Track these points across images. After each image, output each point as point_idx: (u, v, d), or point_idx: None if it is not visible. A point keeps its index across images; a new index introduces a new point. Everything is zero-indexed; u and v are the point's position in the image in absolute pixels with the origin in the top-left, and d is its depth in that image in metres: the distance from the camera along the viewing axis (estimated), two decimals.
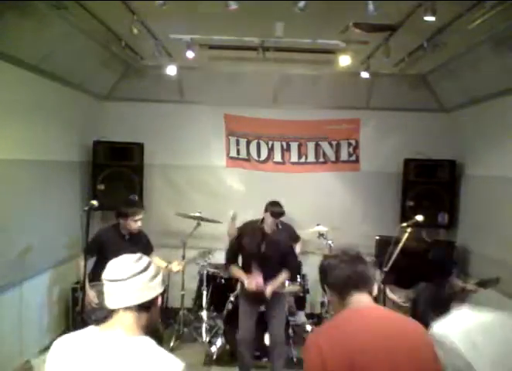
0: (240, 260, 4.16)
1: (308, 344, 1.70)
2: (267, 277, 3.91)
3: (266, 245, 3.93)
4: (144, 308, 1.55)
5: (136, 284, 1.53)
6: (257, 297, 3.90)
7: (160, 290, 1.59)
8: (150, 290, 1.56)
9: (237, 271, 4.05)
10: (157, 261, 4.39)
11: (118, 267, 1.56)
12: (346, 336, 1.63)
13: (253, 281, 3.85)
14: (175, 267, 4.40)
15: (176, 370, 1.48)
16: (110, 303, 1.55)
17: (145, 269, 1.56)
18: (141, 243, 4.25)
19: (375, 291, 1.82)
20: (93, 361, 1.46)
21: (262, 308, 4.17)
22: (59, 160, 4.74)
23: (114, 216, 4.18)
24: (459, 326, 1.66)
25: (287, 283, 4.75)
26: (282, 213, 3.91)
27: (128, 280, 1.52)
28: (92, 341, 1.51)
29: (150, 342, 1.53)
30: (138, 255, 1.60)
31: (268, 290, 3.85)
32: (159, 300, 1.64)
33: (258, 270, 3.89)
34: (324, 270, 1.84)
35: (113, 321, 1.55)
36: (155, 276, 1.58)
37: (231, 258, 4.15)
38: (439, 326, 1.69)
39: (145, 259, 1.60)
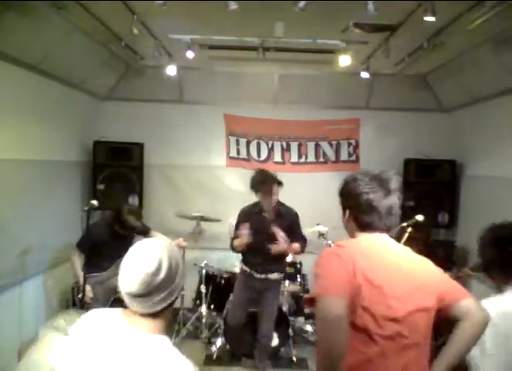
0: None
1: (326, 254, 1.62)
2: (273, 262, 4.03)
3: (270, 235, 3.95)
4: (160, 312, 1.46)
5: (156, 297, 1.41)
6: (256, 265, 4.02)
7: (182, 283, 1.47)
8: (170, 295, 1.44)
9: (238, 240, 4.09)
10: (159, 235, 4.36)
11: (135, 279, 1.39)
12: (364, 256, 1.59)
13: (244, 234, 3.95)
14: (182, 243, 4.45)
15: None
16: (129, 306, 1.46)
17: (166, 280, 1.41)
18: (135, 237, 4.23)
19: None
20: (107, 352, 1.41)
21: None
22: (59, 160, 4.73)
23: (114, 220, 4.13)
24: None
25: (287, 282, 4.76)
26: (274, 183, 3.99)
27: (147, 297, 1.40)
28: (114, 330, 1.44)
29: (166, 341, 1.45)
30: (156, 265, 1.39)
31: (277, 246, 3.91)
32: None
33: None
34: (349, 196, 1.71)
35: (134, 317, 1.46)
36: (174, 277, 1.43)
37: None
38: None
39: (164, 266, 1.41)
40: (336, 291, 1.49)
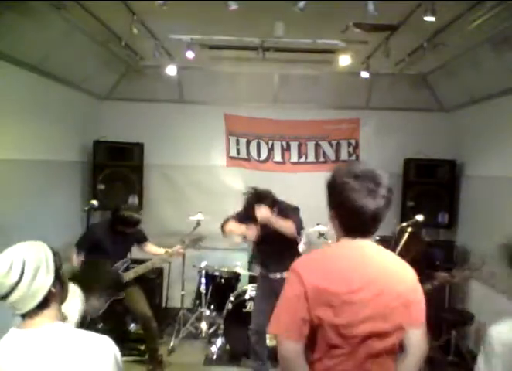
0: None
1: (289, 271, 1.64)
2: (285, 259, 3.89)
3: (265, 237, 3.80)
4: (41, 306, 1.52)
5: (17, 295, 1.48)
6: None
7: (49, 281, 1.52)
8: (36, 292, 1.50)
9: (234, 226, 3.83)
10: (154, 249, 4.43)
11: None
12: (326, 269, 1.59)
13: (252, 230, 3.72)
14: (177, 250, 4.35)
15: (106, 344, 1.51)
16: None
17: (20, 277, 1.47)
18: (135, 237, 4.30)
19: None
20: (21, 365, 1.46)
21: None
22: (59, 160, 4.74)
23: (114, 219, 4.14)
24: None
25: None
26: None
27: (9, 296, 1.48)
28: (17, 346, 1.50)
29: (66, 327, 1.55)
30: (7, 262, 1.49)
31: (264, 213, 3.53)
32: (57, 288, 1.56)
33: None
34: (335, 196, 1.62)
35: (25, 322, 1.54)
36: (34, 275, 1.50)
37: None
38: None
39: (17, 262, 1.49)
40: (288, 334, 1.56)
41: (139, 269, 4.17)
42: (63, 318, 1.60)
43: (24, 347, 1.49)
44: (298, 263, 1.64)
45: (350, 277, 1.57)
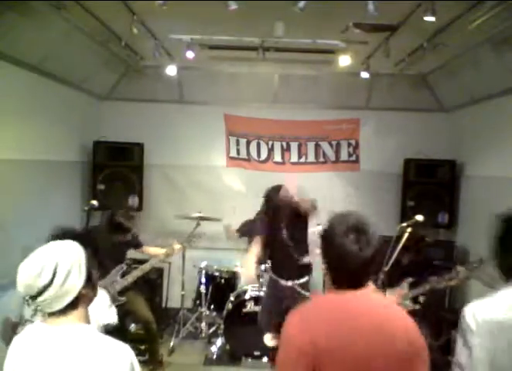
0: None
1: (282, 334, 1.61)
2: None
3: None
4: (69, 307, 1.52)
5: (47, 296, 1.48)
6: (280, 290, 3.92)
7: (80, 284, 1.52)
8: (66, 294, 1.50)
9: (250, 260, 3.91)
10: (151, 250, 4.44)
11: (24, 280, 1.51)
12: (315, 325, 1.56)
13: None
14: (176, 246, 4.38)
15: (124, 352, 1.50)
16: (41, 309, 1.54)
17: (51, 280, 1.47)
18: (129, 243, 4.28)
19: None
20: (42, 362, 1.47)
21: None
22: (59, 160, 4.73)
23: (107, 223, 4.13)
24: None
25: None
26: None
27: (39, 297, 1.48)
28: (39, 340, 1.51)
29: (89, 329, 1.53)
30: (40, 264, 1.49)
31: None
32: (87, 290, 1.56)
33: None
34: (325, 247, 1.66)
35: (49, 319, 1.54)
36: (66, 277, 1.49)
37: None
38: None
39: (49, 265, 1.49)
40: None
41: (136, 272, 4.15)
42: (88, 321, 1.58)
43: (44, 342, 1.48)
44: (288, 324, 1.62)
45: (341, 333, 1.54)
